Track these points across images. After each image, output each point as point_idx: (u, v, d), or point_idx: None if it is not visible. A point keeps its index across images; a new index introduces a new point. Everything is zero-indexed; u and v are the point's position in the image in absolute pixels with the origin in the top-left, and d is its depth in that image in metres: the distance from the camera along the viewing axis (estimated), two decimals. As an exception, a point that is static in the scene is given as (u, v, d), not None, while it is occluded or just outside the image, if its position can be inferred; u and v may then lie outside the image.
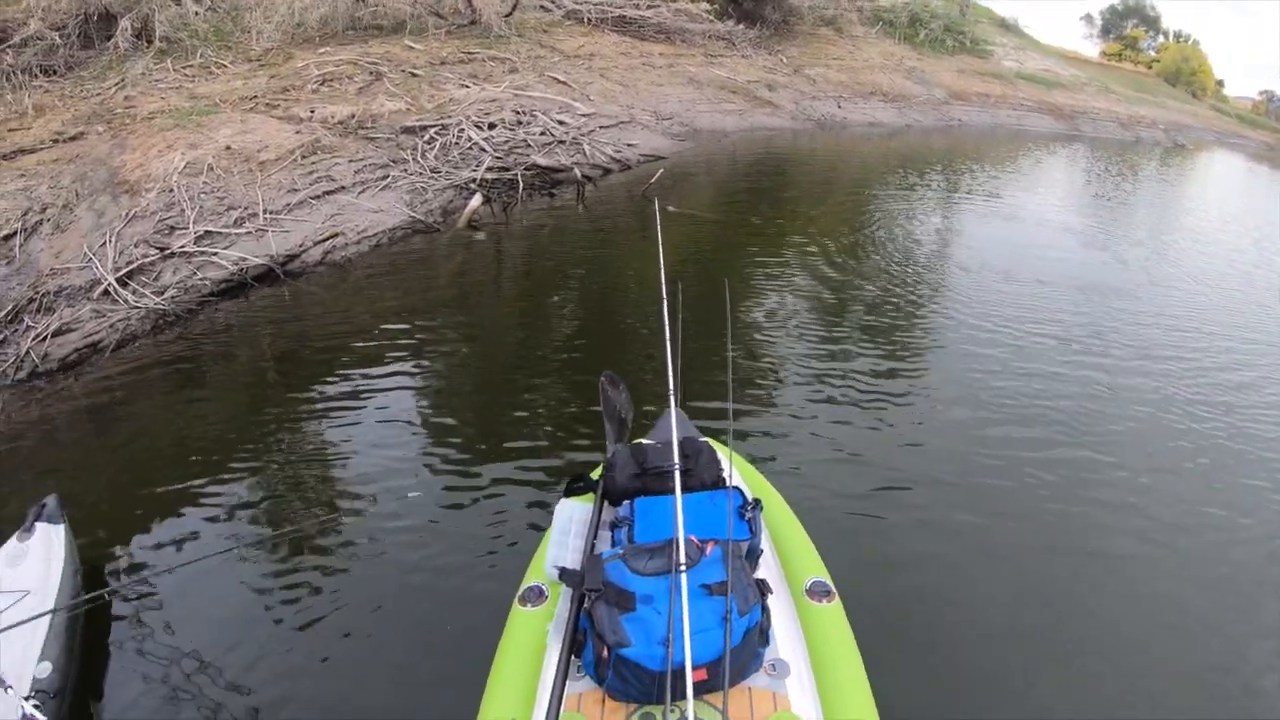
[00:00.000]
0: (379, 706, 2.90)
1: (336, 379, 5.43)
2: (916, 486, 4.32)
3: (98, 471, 4.56)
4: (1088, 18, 50.62)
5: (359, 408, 5.00)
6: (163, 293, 6.68)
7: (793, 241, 9.38)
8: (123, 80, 11.36)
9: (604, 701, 2.14)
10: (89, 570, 3.65)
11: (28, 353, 6.26)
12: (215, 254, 7.10)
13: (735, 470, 3.13)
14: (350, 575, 3.55)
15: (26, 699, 2.69)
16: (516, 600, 2.61)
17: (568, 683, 2.15)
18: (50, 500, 3.76)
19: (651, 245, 6.18)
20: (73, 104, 10.76)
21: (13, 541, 3.56)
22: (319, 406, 5.05)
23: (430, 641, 3.18)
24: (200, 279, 6.83)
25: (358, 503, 4.07)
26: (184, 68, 12.23)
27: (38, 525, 3.63)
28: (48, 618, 3.08)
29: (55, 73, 11.48)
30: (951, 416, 5.17)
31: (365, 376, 5.43)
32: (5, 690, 2.66)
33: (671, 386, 3.03)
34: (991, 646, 3.30)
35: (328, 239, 7.59)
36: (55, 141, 9.71)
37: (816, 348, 6.18)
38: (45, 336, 6.37)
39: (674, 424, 2.90)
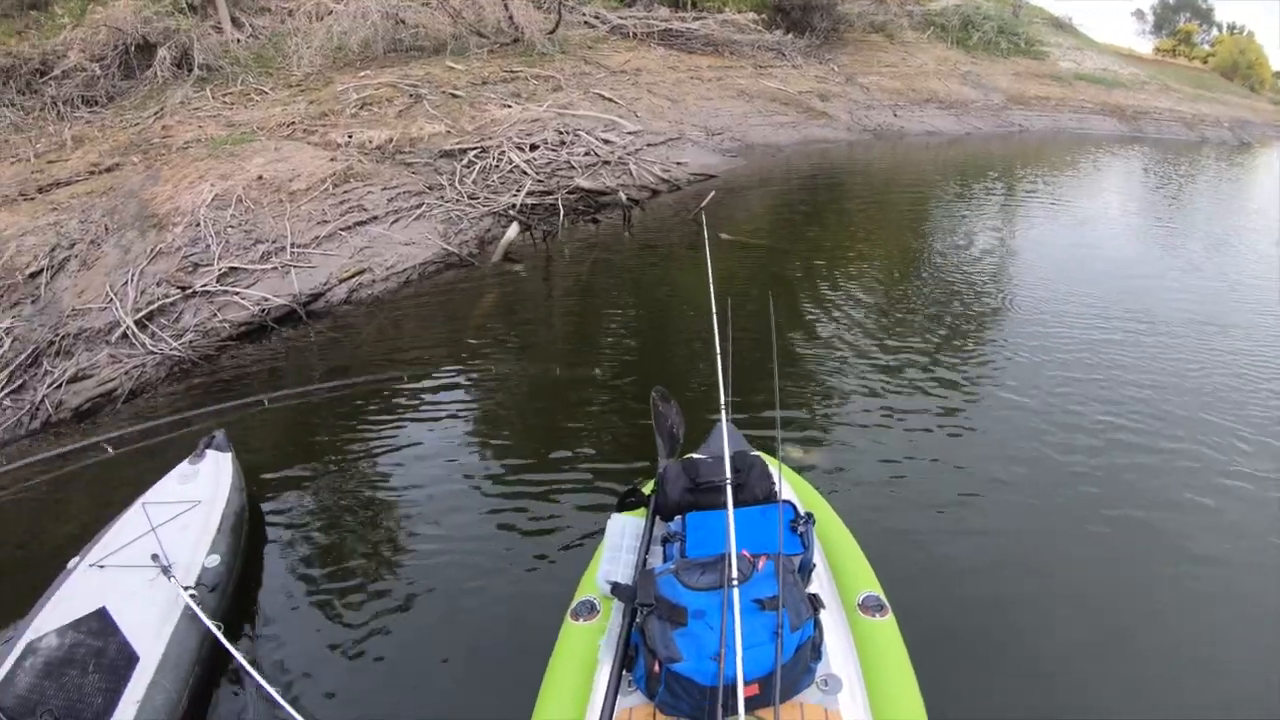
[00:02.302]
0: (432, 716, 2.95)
1: (377, 414, 5.28)
2: (973, 498, 4.20)
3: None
4: (1139, 13, 48.51)
5: (403, 440, 4.94)
6: (181, 336, 6.27)
7: (847, 257, 8.84)
8: (161, 109, 11.20)
9: (655, 716, 2.12)
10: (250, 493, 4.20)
11: (43, 401, 5.92)
12: (238, 293, 6.67)
13: (786, 484, 3.09)
14: (414, 584, 3.65)
15: (186, 589, 3.19)
16: (568, 614, 2.62)
17: (619, 697, 2.15)
18: (219, 433, 4.31)
19: (702, 270, 5.82)
20: (112, 134, 10.62)
21: (185, 464, 4.12)
22: (363, 441, 4.96)
23: (483, 655, 3.18)
24: (220, 321, 6.41)
25: (416, 523, 4.12)
26: (224, 95, 12.06)
27: (208, 452, 4.18)
28: (217, 520, 3.70)
29: (97, 103, 11.40)
30: (1008, 427, 4.95)
31: (406, 409, 5.33)
32: (170, 579, 3.23)
33: (723, 401, 3.03)
34: (1052, 662, 3.16)
35: (354, 275, 7.12)
36: (91, 173, 9.52)
37: (869, 360, 5.95)
38: (61, 383, 6.03)
39: (725, 438, 2.90)
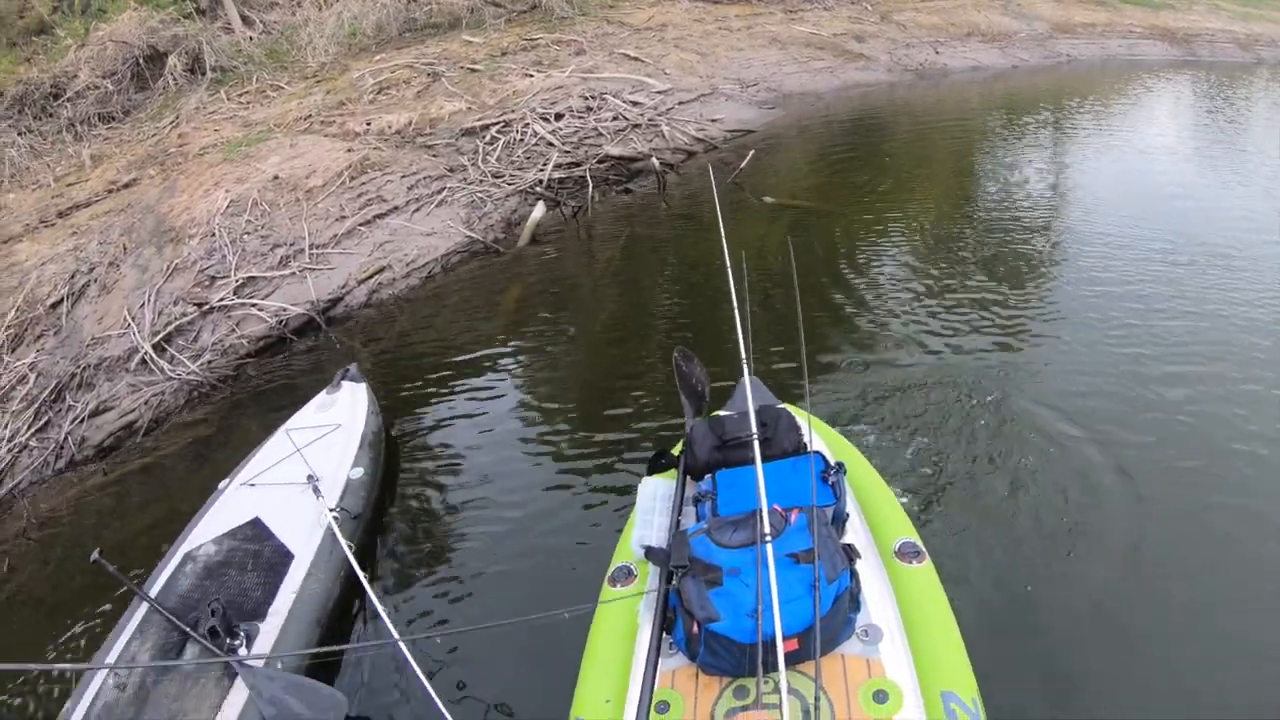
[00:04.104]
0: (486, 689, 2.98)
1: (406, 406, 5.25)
2: (1012, 443, 4.03)
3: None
4: None
5: (437, 430, 4.96)
6: (199, 356, 5.93)
7: (891, 205, 8.18)
8: (177, 117, 10.90)
9: (697, 676, 2.12)
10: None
11: (66, 439, 5.66)
12: (255, 304, 6.29)
13: (815, 434, 3.03)
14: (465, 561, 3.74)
15: (331, 510, 3.53)
16: (606, 581, 2.63)
17: (660, 660, 2.14)
18: (352, 366, 4.71)
19: (749, 243, 5.41)
20: (129, 149, 10.37)
21: (322, 394, 4.53)
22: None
23: (526, 624, 3.02)
24: (238, 337, 6.04)
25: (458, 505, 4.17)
26: (240, 95, 11.70)
27: (344, 383, 4.56)
28: (357, 439, 4.09)
29: (114, 119, 11.17)
30: (1056, 374, 4.73)
31: (435, 402, 5.27)
32: (319, 497, 3.60)
33: (744, 355, 2.96)
34: (1087, 608, 3.06)
35: (373, 275, 6.66)
36: (109, 191, 9.27)
37: (911, 307, 5.72)
38: (83, 418, 5.76)
39: (749, 393, 2.83)
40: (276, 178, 8.03)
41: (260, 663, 2.97)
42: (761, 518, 2.26)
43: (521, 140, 9.86)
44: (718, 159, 10.27)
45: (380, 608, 2.98)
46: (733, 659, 2.04)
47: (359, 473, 3.89)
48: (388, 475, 4.30)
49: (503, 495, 4.09)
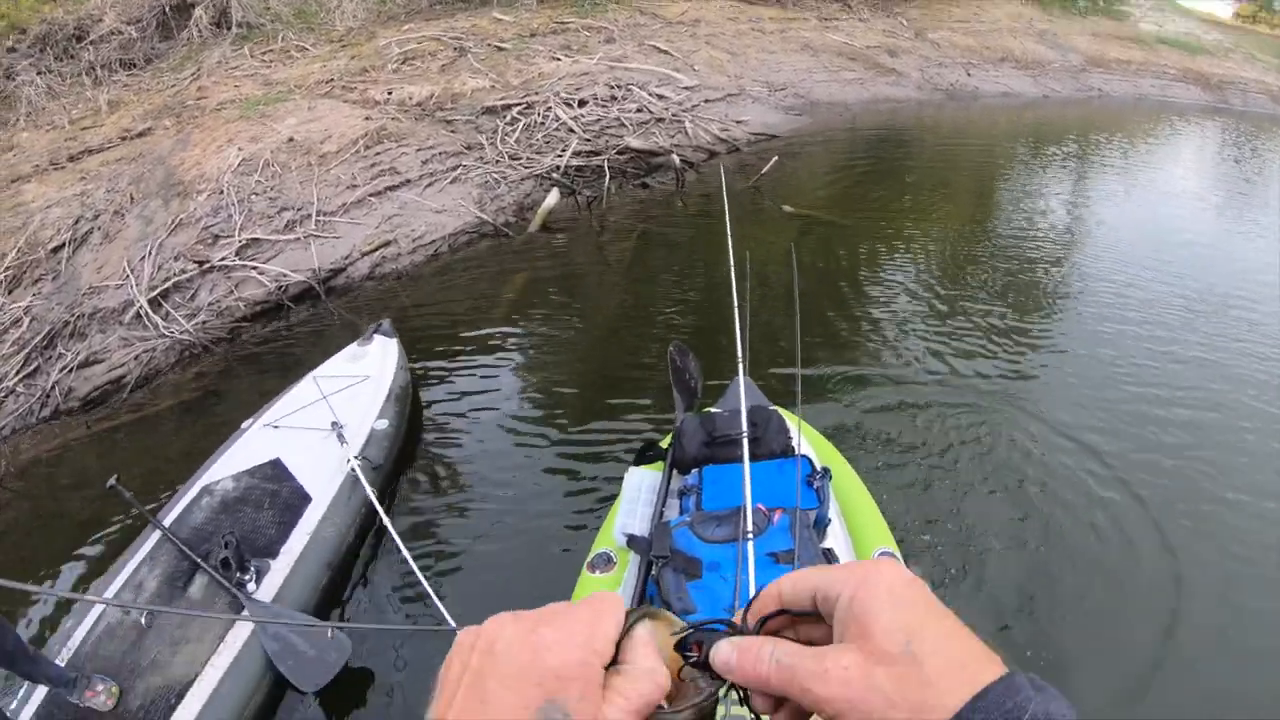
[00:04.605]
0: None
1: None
2: (997, 465, 4.08)
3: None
4: None
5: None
6: (194, 316, 5.82)
7: (906, 223, 8.20)
8: (199, 70, 10.77)
9: None
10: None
11: (54, 387, 5.57)
12: (256, 267, 6.18)
13: (804, 439, 3.05)
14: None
15: (355, 458, 3.58)
16: (585, 566, 2.64)
17: None
18: (385, 321, 4.76)
19: (765, 247, 5.29)
20: (148, 97, 10.24)
21: (353, 346, 4.58)
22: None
23: (496, 606, 2.59)
24: (235, 300, 5.93)
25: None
26: (263, 53, 11.57)
27: (375, 336, 4.62)
28: (385, 390, 4.16)
29: (135, 66, 11.04)
30: (1044, 401, 4.76)
31: (433, 382, 5.24)
32: (342, 444, 3.65)
33: (740, 355, 2.97)
34: (1063, 622, 3.14)
35: (378, 248, 6.54)
36: (123, 139, 9.16)
37: (913, 326, 5.74)
38: (72, 368, 5.66)
39: (743, 392, 2.86)
40: (291, 140, 7.91)
41: (269, 598, 3.03)
42: (745, 515, 2.29)
43: (542, 124, 9.72)
44: (739, 161, 10.13)
45: (407, 552, 2.99)
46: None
47: (384, 424, 3.96)
48: (411, 431, 4.36)
49: (497, 473, 4.12)
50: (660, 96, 11.19)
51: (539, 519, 3.71)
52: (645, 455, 3.09)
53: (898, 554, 2.63)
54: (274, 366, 5.27)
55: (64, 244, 6.98)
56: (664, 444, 3.10)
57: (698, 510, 2.57)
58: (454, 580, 3.40)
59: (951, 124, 14.32)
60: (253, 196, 7.00)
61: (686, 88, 11.93)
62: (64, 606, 3.29)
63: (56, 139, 9.33)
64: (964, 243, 7.69)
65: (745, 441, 2.61)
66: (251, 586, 3.08)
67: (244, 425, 4.03)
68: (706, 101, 11.82)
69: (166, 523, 3.37)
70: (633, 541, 2.46)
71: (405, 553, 3.02)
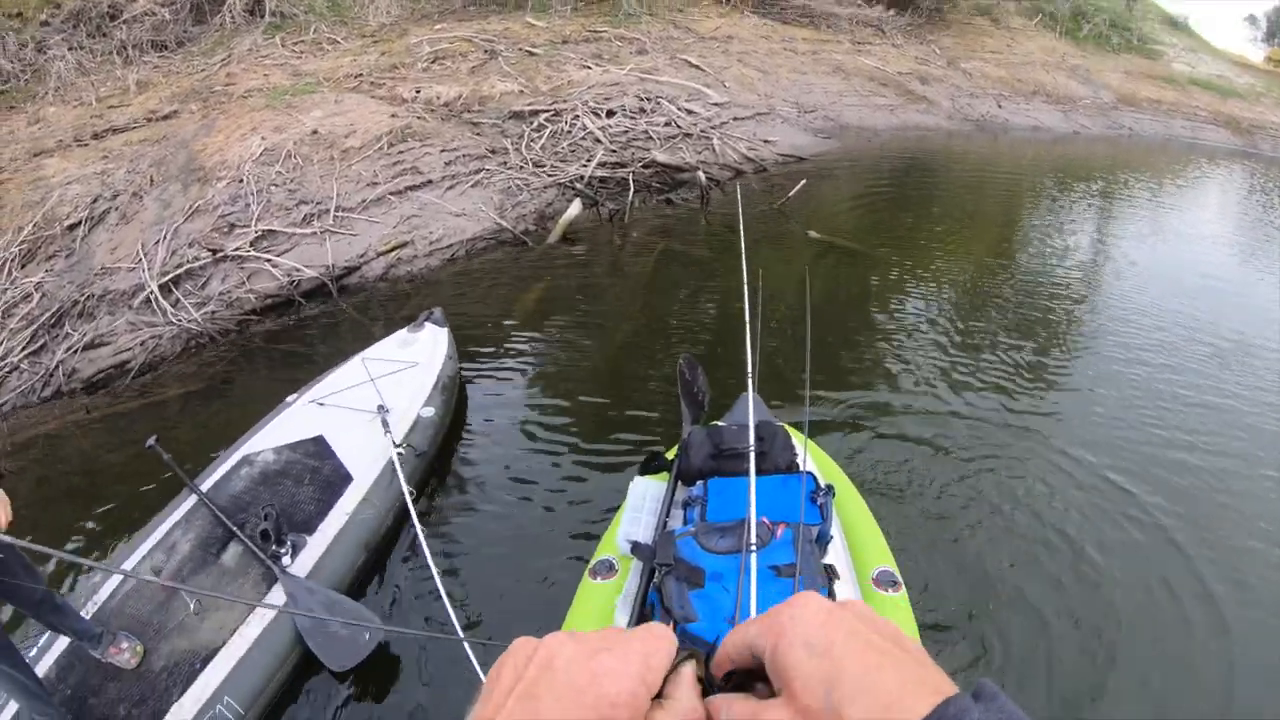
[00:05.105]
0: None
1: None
2: (998, 494, 4.07)
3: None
4: (1251, 19, 43.38)
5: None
6: (204, 305, 5.73)
7: (930, 253, 8.07)
8: (229, 56, 10.76)
9: None
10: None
11: (58, 367, 5.49)
12: (269, 259, 6.08)
13: (809, 456, 3.08)
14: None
15: (398, 445, 3.56)
16: (587, 572, 2.64)
17: None
18: (437, 310, 4.74)
19: (787, 273, 5.20)
20: (176, 80, 10.23)
21: (404, 331, 4.56)
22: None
23: (504, 608, 3.19)
24: (246, 291, 5.84)
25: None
26: (295, 43, 11.56)
27: (426, 324, 4.61)
28: (433, 378, 4.15)
29: (166, 48, 11.04)
30: (1052, 435, 4.69)
31: None
32: (386, 430, 3.63)
33: (749, 371, 2.98)
34: (1057, 651, 3.12)
35: (395, 249, 6.44)
36: (149, 120, 9.12)
37: (923, 355, 5.68)
38: (77, 349, 5.58)
39: (750, 407, 2.86)
40: (315, 132, 7.85)
41: (304, 574, 3.02)
42: (749, 527, 2.30)
43: (569, 132, 9.64)
44: (767, 181, 10.01)
45: (428, 553, 2.92)
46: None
47: (430, 412, 3.95)
48: (455, 422, 4.36)
49: (504, 476, 4.12)
50: (689, 111, 11.10)
51: (542, 524, 3.69)
52: (650, 465, 3.10)
53: (897, 572, 2.65)
54: (281, 364, 5.16)
55: (80, 222, 6.92)
56: (669, 455, 3.12)
57: (702, 521, 2.58)
58: (458, 580, 3.36)
59: (979, 155, 14.19)
60: (272, 187, 6.93)
61: (716, 104, 11.84)
62: (100, 553, 3.37)
63: (83, 115, 9.31)
64: (987, 275, 7.58)
65: (752, 455, 2.62)
66: (286, 560, 3.05)
67: (288, 399, 4.04)
68: (735, 119, 11.73)
69: (204, 488, 3.34)
70: (636, 549, 2.46)
71: (425, 548, 2.94)
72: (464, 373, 4.92)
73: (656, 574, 2.29)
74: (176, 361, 5.32)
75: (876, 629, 0.44)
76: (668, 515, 2.75)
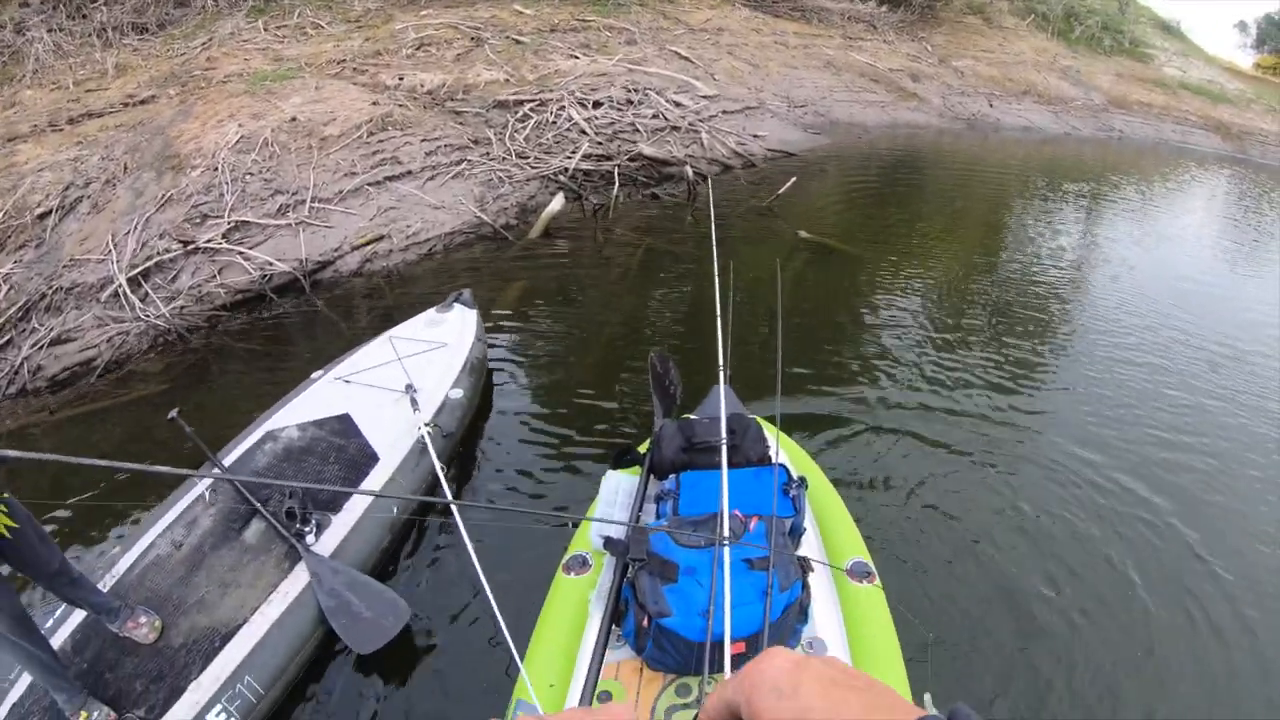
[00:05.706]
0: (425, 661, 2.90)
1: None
2: (969, 485, 4.08)
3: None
4: (1241, 25, 43.35)
5: None
6: (173, 300, 5.60)
7: (917, 251, 8.06)
8: (210, 40, 10.56)
9: (641, 671, 2.15)
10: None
11: (23, 363, 5.36)
12: (242, 252, 5.96)
13: (781, 448, 3.07)
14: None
15: (426, 424, 3.51)
16: (561, 568, 2.64)
17: (607, 651, 2.14)
18: (466, 291, 4.75)
19: (780, 279, 5.26)
20: (156, 64, 10.03)
21: (432, 311, 4.56)
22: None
23: (477, 604, 3.11)
24: (217, 285, 5.72)
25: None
26: (278, 28, 11.36)
27: (455, 305, 4.60)
28: (462, 359, 4.12)
29: (147, 31, 10.83)
30: (1037, 446, 4.62)
31: None
32: (415, 409, 3.59)
33: (721, 362, 2.97)
34: (1027, 641, 3.12)
35: (370, 243, 6.32)
36: (126, 105, 8.95)
37: (892, 349, 5.67)
38: (44, 344, 5.45)
39: (722, 400, 2.89)
40: (294, 119, 7.70)
41: (328, 553, 2.97)
42: (722, 521, 2.29)
43: (554, 123, 9.52)
44: (756, 176, 9.91)
45: (464, 530, 2.81)
46: (679, 656, 2.07)
47: (458, 393, 3.91)
48: (482, 404, 4.35)
49: (477, 470, 4.08)
50: (677, 104, 10.98)
51: (515, 518, 3.65)
52: (623, 459, 3.05)
53: (870, 563, 2.65)
54: (249, 369, 5.05)
55: (51, 210, 6.77)
56: (642, 449, 3.09)
57: (675, 515, 2.57)
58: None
59: (969, 154, 14.11)
60: (247, 176, 6.79)
61: (705, 96, 11.72)
62: (116, 524, 3.31)
63: (59, 99, 9.12)
64: (973, 274, 7.55)
65: (724, 448, 2.62)
66: (311, 539, 3.01)
67: (314, 375, 4.00)
68: (724, 113, 11.61)
69: (227, 463, 3.29)
70: (610, 544, 2.43)
71: (462, 529, 2.77)
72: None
73: (630, 569, 2.29)
74: (144, 359, 5.20)
75: (844, 672, 0.45)
76: (640, 509, 2.73)
